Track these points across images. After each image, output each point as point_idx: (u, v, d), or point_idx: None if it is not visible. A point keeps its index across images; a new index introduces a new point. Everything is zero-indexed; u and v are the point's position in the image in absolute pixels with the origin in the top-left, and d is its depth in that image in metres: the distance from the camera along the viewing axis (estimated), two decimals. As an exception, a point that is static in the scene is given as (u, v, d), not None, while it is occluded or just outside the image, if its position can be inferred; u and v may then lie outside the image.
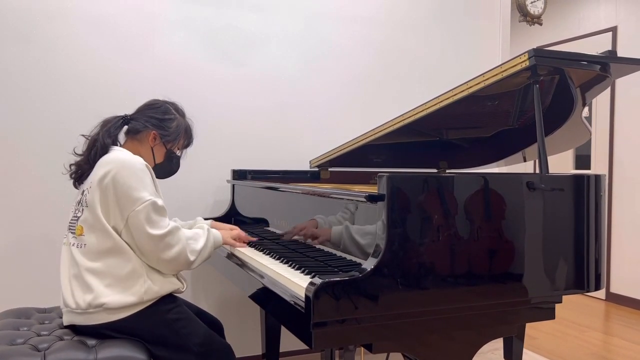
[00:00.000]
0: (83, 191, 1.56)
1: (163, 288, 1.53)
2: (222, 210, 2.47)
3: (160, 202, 1.51)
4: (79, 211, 1.55)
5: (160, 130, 1.67)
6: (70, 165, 1.62)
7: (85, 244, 1.49)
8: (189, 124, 1.77)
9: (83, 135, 1.64)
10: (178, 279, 1.61)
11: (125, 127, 1.68)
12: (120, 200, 1.46)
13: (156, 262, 1.51)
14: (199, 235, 1.65)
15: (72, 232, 1.55)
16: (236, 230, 1.88)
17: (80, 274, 1.47)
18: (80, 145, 1.63)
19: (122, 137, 1.69)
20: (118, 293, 1.45)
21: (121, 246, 1.47)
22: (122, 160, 1.50)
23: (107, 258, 1.47)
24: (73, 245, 1.52)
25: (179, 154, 1.78)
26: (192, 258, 1.57)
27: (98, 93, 2.30)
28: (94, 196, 1.48)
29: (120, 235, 1.48)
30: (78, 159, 1.62)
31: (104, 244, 1.47)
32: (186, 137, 1.77)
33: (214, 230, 1.73)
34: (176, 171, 1.80)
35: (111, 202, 1.47)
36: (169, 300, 1.55)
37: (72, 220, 1.57)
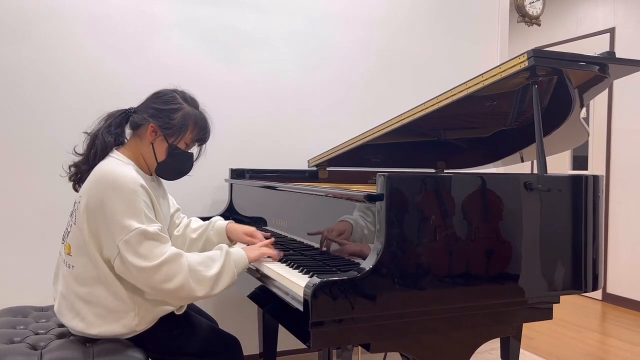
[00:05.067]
0: (75, 202, 1.44)
1: (158, 316, 1.43)
2: (220, 209, 2.47)
3: (152, 228, 1.31)
4: (69, 225, 1.44)
5: (159, 122, 1.46)
6: (70, 166, 1.50)
7: (73, 266, 1.39)
8: (200, 114, 1.53)
9: (86, 133, 1.51)
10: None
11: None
12: (110, 227, 1.31)
13: (158, 295, 1.35)
14: (214, 259, 1.39)
15: (63, 246, 1.45)
16: (265, 246, 1.56)
17: (69, 297, 1.40)
18: (82, 144, 1.51)
19: (129, 132, 1.55)
20: (109, 324, 1.37)
21: (107, 277, 1.36)
22: (110, 178, 1.33)
23: (94, 286, 1.37)
24: (64, 261, 1.43)
25: (189, 150, 1.55)
26: (199, 292, 1.33)
27: (95, 93, 2.29)
28: (82, 217, 1.36)
29: (113, 265, 1.34)
30: (78, 159, 1.49)
31: (91, 271, 1.37)
32: (196, 129, 1.51)
33: (235, 251, 1.45)
34: (188, 170, 1.56)
35: (102, 229, 1.33)
36: (166, 319, 1.46)
37: (65, 232, 1.47)
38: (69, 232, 1.44)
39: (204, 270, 1.35)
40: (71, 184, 1.52)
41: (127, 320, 1.38)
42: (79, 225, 1.37)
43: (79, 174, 1.48)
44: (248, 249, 1.50)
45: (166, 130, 1.47)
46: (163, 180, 1.64)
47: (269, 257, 1.51)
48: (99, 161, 1.42)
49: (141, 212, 1.33)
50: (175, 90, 1.53)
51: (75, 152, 1.50)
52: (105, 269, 1.36)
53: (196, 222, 1.82)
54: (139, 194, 1.34)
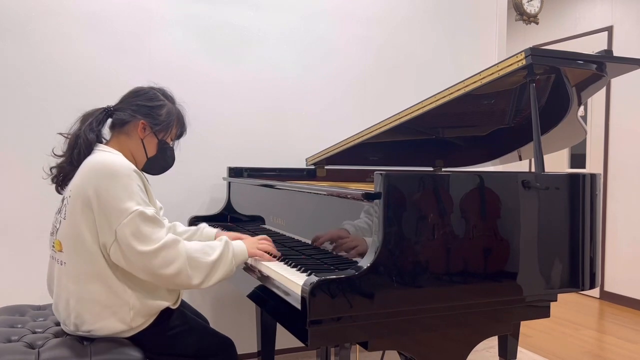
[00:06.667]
0: (63, 199, 1.42)
1: (152, 310, 1.42)
2: (218, 207, 2.47)
3: (150, 211, 1.32)
4: (57, 222, 1.42)
5: (149, 119, 1.49)
6: (51, 168, 1.48)
7: (65, 262, 1.37)
8: (180, 110, 1.59)
9: (61, 134, 1.50)
10: (169, 295, 1.47)
11: (110, 121, 1.52)
12: (106, 213, 1.30)
13: (155, 281, 1.36)
14: (213, 248, 1.41)
15: (52, 243, 1.44)
16: (264, 241, 1.56)
17: (62, 295, 1.39)
18: (59, 146, 1.50)
19: (107, 132, 1.55)
20: (104, 320, 1.36)
21: (101, 271, 1.35)
22: (105, 166, 1.34)
23: (88, 283, 1.35)
24: (54, 259, 1.42)
25: (172, 145, 1.61)
26: (196, 279, 1.35)
27: (91, 92, 2.28)
28: (75, 209, 1.34)
29: (109, 253, 1.33)
30: (59, 160, 1.47)
31: (84, 267, 1.35)
32: (179, 125, 1.59)
33: (235, 243, 1.48)
34: (172, 164, 1.62)
35: (97, 217, 1.31)
36: (162, 318, 1.45)
37: (52, 229, 1.45)
38: (57, 228, 1.42)
39: (201, 257, 1.37)
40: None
41: (122, 315, 1.37)
42: (70, 220, 1.36)
43: (63, 174, 1.47)
44: (248, 243, 1.52)
45: (155, 126, 1.51)
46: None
47: (268, 253, 1.52)
48: (84, 159, 1.42)
49: (138, 195, 1.34)
50: (153, 88, 1.56)
51: (55, 154, 1.49)
52: (100, 263, 1.35)
53: (180, 227, 1.83)
54: (133, 178, 1.36)
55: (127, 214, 1.30)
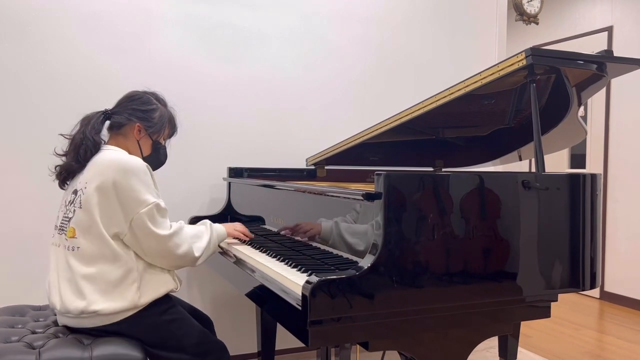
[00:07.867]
0: (75, 190, 1.50)
1: (157, 291, 1.51)
2: (218, 208, 2.47)
3: (163, 203, 1.51)
4: (70, 212, 1.50)
5: (144, 122, 1.63)
6: (56, 166, 1.58)
7: (78, 247, 1.45)
8: (171, 112, 1.73)
9: (62, 135, 1.59)
10: (173, 279, 1.59)
11: (107, 123, 1.63)
12: (125, 204, 1.44)
13: (163, 262, 1.53)
14: (202, 232, 1.68)
15: (63, 233, 1.50)
16: (238, 225, 1.88)
17: (73, 279, 1.43)
18: (59, 146, 1.58)
19: (104, 133, 1.63)
20: (111, 300, 1.42)
21: (115, 251, 1.44)
22: (122, 162, 1.46)
23: (101, 263, 1.44)
24: (65, 247, 1.47)
25: (164, 144, 1.75)
26: (197, 254, 1.59)
27: (90, 92, 2.28)
28: (91, 200, 1.44)
29: (123, 240, 1.46)
30: (63, 159, 1.57)
31: (98, 249, 1.44)
32: (170, 126, 1.73)
33: (216, 225, 1.75)
34: (164, 162, 1.76)
35: (115, 207, 1.44)
36: (163, 301, 1.53)
37: (62, 221, 1.52)
38: (70, 218, 1.49)
39: (198, 242, 1.63)
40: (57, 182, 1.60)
41: (130, 293, 1.45)
42: (86, 208, 1.45)
43: (69, 172, 1.56)
44: (227, 226, 1.82)
45: (150, 128, 1.65)
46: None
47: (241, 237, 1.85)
48: (91, 157, 1.53)
49: (153, 189, 1.50)
50: (147, 92, 1.69)
51: (57, 154, 1.58)
52: (112, 245, 1.45)
53: None
54: (148, 174, 1.50)
55: (146, 205, 1.46)
